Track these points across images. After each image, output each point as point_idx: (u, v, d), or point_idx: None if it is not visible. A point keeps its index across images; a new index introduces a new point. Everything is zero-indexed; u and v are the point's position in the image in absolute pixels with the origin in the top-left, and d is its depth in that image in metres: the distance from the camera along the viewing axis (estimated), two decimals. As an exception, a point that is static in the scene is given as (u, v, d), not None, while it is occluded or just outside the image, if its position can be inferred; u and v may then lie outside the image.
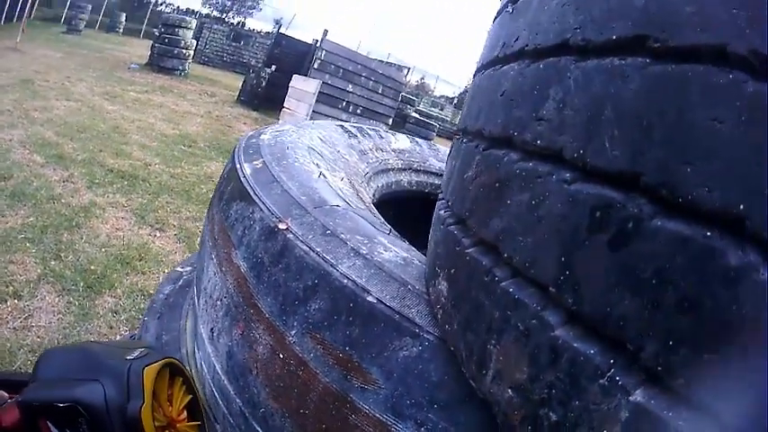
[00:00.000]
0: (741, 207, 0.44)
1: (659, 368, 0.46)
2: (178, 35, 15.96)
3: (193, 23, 16.97)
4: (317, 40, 15.53)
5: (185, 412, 0.91)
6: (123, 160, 6.16)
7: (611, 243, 0.53)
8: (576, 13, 0.66)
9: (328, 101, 11.92)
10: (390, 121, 13.72)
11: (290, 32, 17.95)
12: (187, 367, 1.11)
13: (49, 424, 0.73)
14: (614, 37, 0.60)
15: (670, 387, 0.45)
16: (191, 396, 0.94)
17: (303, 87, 11.73)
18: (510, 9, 0.86)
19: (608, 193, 0.55)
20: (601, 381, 0.50)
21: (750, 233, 0.43)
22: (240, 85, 15.51)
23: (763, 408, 0.38)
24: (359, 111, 12.70)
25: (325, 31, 12.55)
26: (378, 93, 13.12)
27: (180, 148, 7.53)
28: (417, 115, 21.77)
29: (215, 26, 25.62)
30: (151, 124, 8.52)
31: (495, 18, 0.99)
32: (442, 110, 33.74)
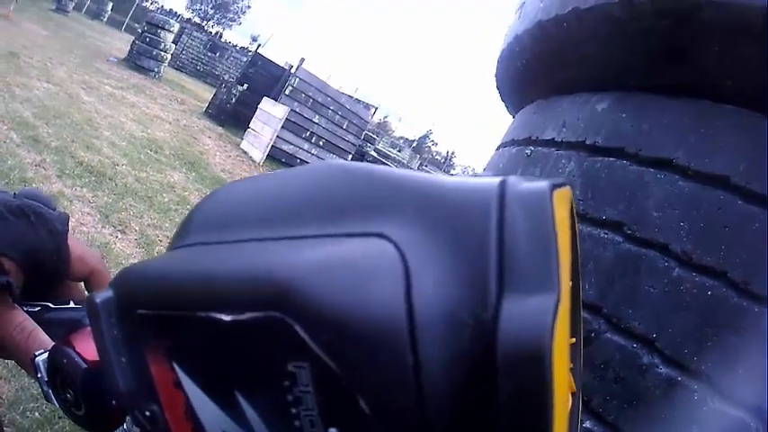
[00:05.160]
0: (654, 335, 0.93)
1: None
2: (159, 36, 16.07)
3: (176, 27, 17.10)
4: (292, 66, 15.60)
5: None
6: (93, 155, 6.38)
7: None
8: (583, 189, 1.13)
9: (294, 129, 12.07)
10: (350, 157, 13.87)
11: (263, 51, 18.02)
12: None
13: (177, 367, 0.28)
14: (604, 217, 1.06)
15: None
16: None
17: (271, 111, 11.92)
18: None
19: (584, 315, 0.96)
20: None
21: (656, 348, 0.92)
22: (210, 97, 15.57)
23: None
24: (321, 143, 12.89)
25: (302, 59, 12.73)
26: (342, 128, 13.32)
27: (146, 153, 7.76)
28: (375, 154, 21.63)
29: (194, 33, 25.49)
30: (122, 123, 8.74)
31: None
32: (400, 151, 33.95)
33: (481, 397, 0.21)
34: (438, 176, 0.26)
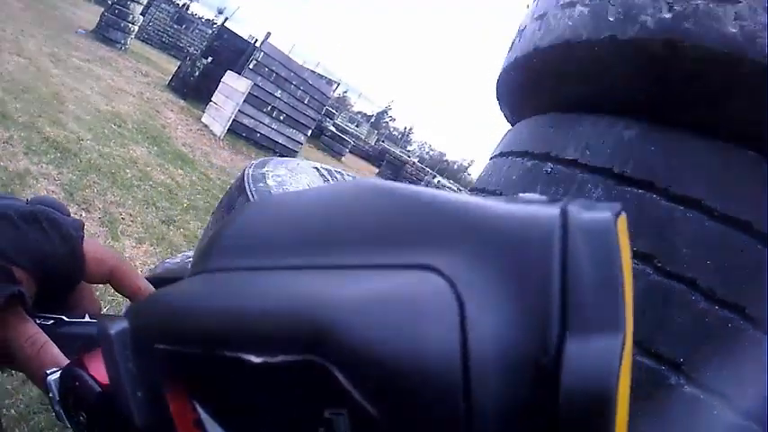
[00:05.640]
0: (681, 359, 0.99)
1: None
2: (128, 8, 15.96)
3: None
4: (257, 39, 15.56)
5: None
6: (59, 130, 6.54)
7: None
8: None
9: (255, 103, 12.17)
10: (309, 132, 14.07)
11: (229, 25, 17.96)
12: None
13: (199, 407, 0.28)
14: (635, 248, 1.03)
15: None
16: None
17: (234, 85, 12.00)
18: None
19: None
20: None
21: (682, 370, 0.98)
22: (174, 69, 15.57)
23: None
24: (282, 117, 12.99)
25: (268, 34, 12.83)
26: (303, 103, 13.37)
27: (110, 127, 7.95)
28: (334, 129, 22.12)
29: (162, 5, 25.23)
30: (87, 96, 8.89)
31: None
32: (358, 126, 33.65)
33: None
34: (488, 201, 0.24)
